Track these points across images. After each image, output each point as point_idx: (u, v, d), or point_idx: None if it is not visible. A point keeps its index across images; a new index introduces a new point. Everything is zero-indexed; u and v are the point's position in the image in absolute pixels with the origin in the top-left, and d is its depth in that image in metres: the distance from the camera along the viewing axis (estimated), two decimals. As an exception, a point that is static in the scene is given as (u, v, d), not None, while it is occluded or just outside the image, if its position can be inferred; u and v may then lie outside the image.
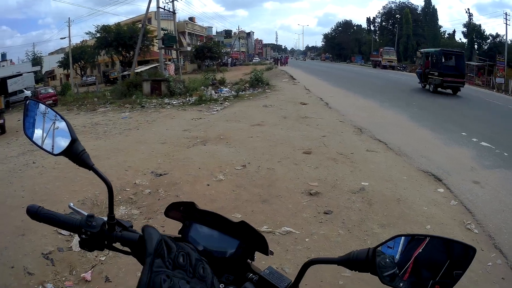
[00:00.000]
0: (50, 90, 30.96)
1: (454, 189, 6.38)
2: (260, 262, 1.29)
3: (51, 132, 1.29)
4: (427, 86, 23.17)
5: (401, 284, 0.96)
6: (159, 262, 1.00)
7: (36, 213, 1.18)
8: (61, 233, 5.30)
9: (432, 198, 6.04)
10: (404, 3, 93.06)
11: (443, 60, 23.07)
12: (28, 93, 32.47)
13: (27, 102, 1.35)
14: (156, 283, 0.94)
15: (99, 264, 4.60)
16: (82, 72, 60.19)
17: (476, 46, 72.77)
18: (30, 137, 1.31)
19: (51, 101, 26.53)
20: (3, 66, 57.24)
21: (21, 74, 33.84)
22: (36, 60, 64.91)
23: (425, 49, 29.18)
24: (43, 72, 65.80)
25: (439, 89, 22.05)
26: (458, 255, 0.95)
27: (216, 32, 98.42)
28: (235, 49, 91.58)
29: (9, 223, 5.88)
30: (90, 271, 4.45)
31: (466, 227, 5.01)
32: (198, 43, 68.30)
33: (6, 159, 10.84)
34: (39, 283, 4.24)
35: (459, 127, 11.00)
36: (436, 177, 6.94)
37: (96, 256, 4.75)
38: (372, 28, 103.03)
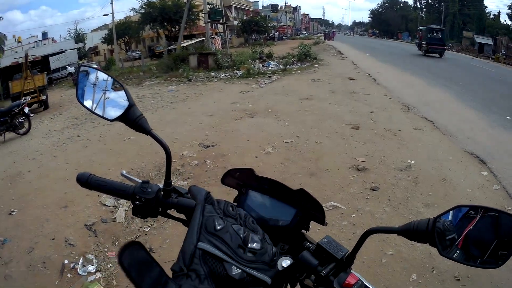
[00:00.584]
0: (94, 66, 31.32)
1: (498, 173, 6.21)
2: (311, 234, 1.25)
3: (105, 98, 1.26)
4: (421, 52, 34.48)
5: (455, 255, 0.96)
6: (210, 208, 1.01)
7: (87, 181, 1.18)
8: (105, 205, 5.47)
9: (476, 180, 5.94)
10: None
11: (429, 34, 34.23)
12: (71, 69, 32.97)
13: (80, 69, 1.34)
14: (208, 225, 0.95)
15: (143, 235, 4.70)
16: (127, 47, 60.52)
17: (520, 29, 70.04)
18: (83, 104, 1.27)
19: (95, 77, 26.95)
20: (44, 44, 58.04)
21: (63, 51, 34.33)
22: (79, 38, 65.50)
23: (420, 27, 44.27)
24: (86, 48, 66.51)
25: (428, 54, 32.77)
26: (509, 230, 0.92)
27: (263, 6, 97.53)
28: (282, 23, 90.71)
29: (52, 195, 6.09)
30: None
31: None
32: (245, 17, 67.98)
33: (49, 133, 11.27)
34: (80, 254, 4.36)
35: (505, 111, 10.67)
36: (480, 160, 6.79)
37: (140, 227, 4.87)
38: (419, 5, 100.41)
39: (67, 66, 33.69)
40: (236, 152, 7.40)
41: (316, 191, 5.46)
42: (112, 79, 1.28)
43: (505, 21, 77.81)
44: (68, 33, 69.97)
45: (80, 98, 1.27)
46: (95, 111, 1.25)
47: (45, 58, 30.36)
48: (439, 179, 5.89)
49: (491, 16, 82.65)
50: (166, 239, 4.46)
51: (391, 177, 5.99)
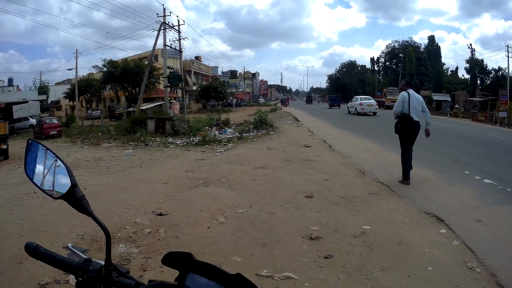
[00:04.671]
0: (55, 121, 31.30)
1: (456, 229, 6.31)
2: None
3: (51, 176, 1.32)
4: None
5: None
6: None
7: (35, 251, 1.23)
8: (59, 266, 5.30)
9: (434, 239, 5.99)
10: (407, 41, 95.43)
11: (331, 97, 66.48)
12: (33, 121, 33.00)
13: (29, 142, 1.39)
14: None
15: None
16: (88, 105, 61.57)
17: (478, 81, 73.64)
18: (31, 178, 1.34)
19: (55, 132, 27.21)
20: (9, 91, 58.08)
21: (27, 101, 34.35)
22: (43, 89, 66.15)
23: (324, 94, 64.31)
24: (49, 101, 66.61)
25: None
26: None
27: (222, 72, 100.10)
28: (240, 90, 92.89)
29: (7, 249, 5.94)
30: None
31: (468, 267, 4.94)
32: (204, 83, 69.71)
33: (7, 185, 11.10)
34: None
35: (462, 166, 11.04)
36: (438, 218, 6.88)
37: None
38: (376, 68, 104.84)
39: (29, 118, 33.66)
40: (189, 221, 7.25)
41: (268, 261, 5.36)
42: (58, 158, 1.34)
43: (463, 75, 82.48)
44: (33, 83, 70.69)
45: (28, 172, 1.37)
46: (41, 188, 1.33)
47: (9, 106, 30.27)
48: (395, 242, 5.89)
49: (449, 72, 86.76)
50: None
51: (345, 244, 5.94)
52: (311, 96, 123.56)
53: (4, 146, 17.74)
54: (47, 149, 1.37)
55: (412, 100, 9.22)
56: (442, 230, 6.33)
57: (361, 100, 39.95)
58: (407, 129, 9.27)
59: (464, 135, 20.65)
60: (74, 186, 1.26)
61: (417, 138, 9.48)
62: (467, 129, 23.76)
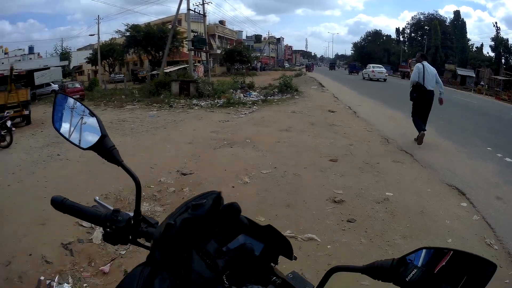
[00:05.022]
0: (77, 85, 31.27)
1: (477, 203, 6.22)
2: (282, 266, 1.28)
3: (79, 127, 1.31)
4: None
5: None
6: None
7: (61, 204, 1.19)
8: (82, 225, 5.40)
9: (454, 211, 5.93)
10: (433, 14, 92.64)
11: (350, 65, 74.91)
12: (55, 86, 32.98)
13: (57, 96, 1.37)
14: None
15: (118, 257, 4.65)
16: (110, 69, 61.05)
17: (503, 60, 71.61)
18: (58, 130, 1.31)
19: (78, 96, 26.88)
20: (30, 59, 58.03)
21: (48, 68, 34.29)
22: (64, 55, 65.86)
23: (344, 61, 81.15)
24: (71, 67, 66.64)
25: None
26: (478, 270, 0.94)
27: (246, 36, 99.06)
28: (265, 54, 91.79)
29: (30, 212, 6.06)
30: (109, 264, 4.50)
31: (486, 243, 4.89)
32: (228, 47, 68.61)
33: (30, 149, 11.22)
34: (56, 271, 4.32)
35: (484, 142, 10.83)
36: (460, 191, 6.79)
37: (116, 250, 4.80)
38: (401, 39, 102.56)
39: (51, 83, 33.72)
40: (213, 181, 7.33)
41: (292, 222, 5.42)
42: (86, 109, 1.33)
43: (487, 53, 79.82)
44: (55, 50, 70.22)
45: (56, 124, 1.32)
46: (69, 139, 1.30)
47: (30, 73, 30.25)
48: (417, 211, 5.87)
49: (474, 49, 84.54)
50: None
51: (368, 209, 5.95)
52: (334, 62, 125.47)
53: (26, 112, 17.89)
54: (76, 101, 1.36)
55: (427, 71, 9.92)
56: (463, 204, 6.27)
57: (373, 68, 46.61)
58: (420, 98, 10.03)
59: (488, 112, 20.15)
60: (104, 136, 1.26)
61: (438, 110, 9.48)
62: (490, 107, 23.27)
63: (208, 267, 0.97)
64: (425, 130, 10.02)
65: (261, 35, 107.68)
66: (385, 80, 44.24)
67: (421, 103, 10.11)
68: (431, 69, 10.08)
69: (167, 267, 0.88)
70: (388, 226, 5.35)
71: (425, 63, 10.10)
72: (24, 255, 4.66)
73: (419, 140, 9.95)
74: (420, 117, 10.15)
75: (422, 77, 9.93)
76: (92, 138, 1.27)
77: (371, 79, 44.08)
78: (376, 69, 46.15)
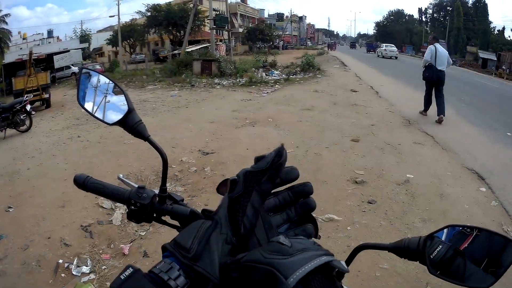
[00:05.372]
0: (98, 67, 31.47)
1: (496, 189, 6.18)
2: None
3: (104, 102, 1.26)
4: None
5: (445, 273, 0.95)
6: None
7: (84, 183, 1.16)
8: (102, 206, 5.49)
9: (474, 196, 5.91)
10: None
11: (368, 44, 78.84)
12: (75, 69, 33.06)
13: (82, 71, 1.34)
14: None
15: (138, 239, 4.70)
16: (131, 50, 60.79)
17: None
18: (83, 106, 1.26)
19: (99, 76, 26.96)
20: (49, 42, 58.16)
21: (68, 51, 34.42)
22: (84, 37, 65.93)
23: (365, 41, 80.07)
24: (91, 49, 66.72)
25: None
26: (501, 251, 0.93)
27: (268, 14, 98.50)
28: (287, 33, 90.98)
29: (49, 194, 6.11)
30: (128, 245, 4.55)
31: (504, 230, 4.88)
32: (250, 25, 68.26)
33: (50, 132, 11.35)
34: (75, 254, 4.37)
35: (506, 127, 10.68)
36: (479, 176, 6.75)
37: (136, 231, 4.86)
38: (424, 19, 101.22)
39: (71, 66, 33.77)
40: (236, 160, 7.39)
41: (313, 202, 5.43)
42: (113, 83, 1.28)
43: (509, 36, 78.64)
44: (74, 33, 70.32)
45: (81, 100, 1.27)
46: (95, 114, 1.25)
47: (49, 57, 30.46)
48: (437, 194, 5.87)
49: (496, 32, 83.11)
50: (161, 244, 4.37)
51: (389, 191, 5.98)
52: (355, 42, 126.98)
53: (46, 95, 18.12)
54: (102, 74, 1.31)
55: (439, 52, 10.64)
56: (482, 189, 6.23)
57: (385, 47, 54.01)
58: (432, 77, 10.83)
59: (509, 96, 19.80)
60: (131, 110, 1.19)
61: (459, 93, 9.48)
62: (511, 91, 22.89)
63: (268, 238, 0.91)
64: (444, 114, 10.53)
65: (283, 14, 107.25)
66: (396, 58, 50.58)
67: (433, 82, 10.95)
68: (443, 51, 10.81)
69: (229, 222, 0.83)
70: (408, 209, 5.38)
71: (437, 45, 10.78)
72: (43, 238, 4.73)
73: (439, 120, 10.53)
74: (431, 97, 11.21)
75: (434, 58, 10.65)
76: (118, 113, 1.21)
77: (384, 57, 50.75)
78: (388, 48, 53.47)
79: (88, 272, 4.08)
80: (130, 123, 1.19)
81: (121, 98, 1.22)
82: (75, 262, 4.20)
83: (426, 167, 7.14)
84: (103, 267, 4.15)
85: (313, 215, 0.98)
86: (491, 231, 0.95)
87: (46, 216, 5.33)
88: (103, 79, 1.29)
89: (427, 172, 6.86)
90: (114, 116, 1.21)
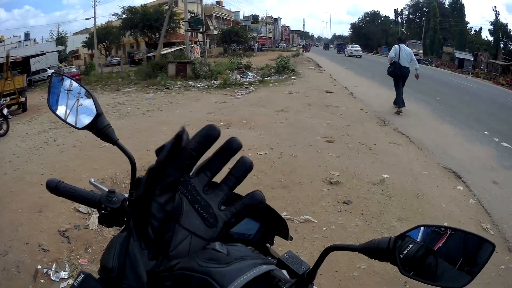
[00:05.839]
0: (74, 70, 31.32)
1: (473, 187, 6.27)
2: (277, 248, 1.28)
3: (75, 107, 1.28)
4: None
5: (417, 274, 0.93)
6: None
7: (56, 188, 1.14)
8: (79, 211, 5.38)
9: (451, 195, 5.97)
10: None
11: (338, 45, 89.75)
12: (51, 72, 32.84)
13: (52, 76, 1.33)
14: None
15: (116, 242, 4.61)
16: (107, 53, 60.72)
17: (502, 45, 71.52)
18: (54, 111, 1.29)
19: (74, 80, 26.80)
20: (26, 45, 57.77)
21: (44, 53, 34.15)
22: (60, 40, 65.68)
23: (336, 42, 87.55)
24: (67, 51, 66.42)
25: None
26: (476, 250, 0.90)
27: (243, 16, 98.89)
28: (262, 35, 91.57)
29: (26, 199, 5.97)
30: None
31: (482, 227, 4.93)
32: (225, 27, 68.56)
33: (26, 136, 11.13)
34: (53, 259, 4.30)
35: (482, 126, 10.87)
36: (456, 174, 6.84)
37: (113, 235, 4.74)
38: (400, 20, 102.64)
39: (47, 69, 33.44)
40: (210, 162, 7.30)
41: (288, 204, 5.44)
42: (82, 88, 1.29)
43: (486, 37, 79.77)
44: (51, 35, 69.97)
45: (53, 105, 1.29)
46: (67, 119, 1.27)
47: (26, 59, 30.17)
48: (413, 194, 5.90)
49: (473, 32, 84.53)
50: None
51: (364, 191, 5.98)
52: (328, 44, 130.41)
53: (22, 99, 17.89)
54: (72, 79, 1.33)
55: (402, 51, 11.91)
56: (459, 187, 6.31)
57: (350, 47, 64.10)
58: (396, 72, 12.00)
59: (485, 96, 20.24)
60: (99, 115, 1.22)
61: (435, 93, 9.60)
62: (488, 91, 23.45)
63: (205, 222, 0.84)
64: (404, 106, 11.92)
65: (258, 16, 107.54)
66: (360, 56, 58.53)
67: (397, 76, 12.06)
68: (407, 50, 12.14)
69: (137, 228, 0.82)
70: (384, 208, 5.38)
71: (402, 45, 12.14)
72: (22, 244, 4.65)
73: (398, 112, 11.94)
74: (400, 90, 12.11)
75: (398, 55, 11.88)
76: (87, 117, 1.24)
77: (349, 56, 58.24)
78: (353, 48, 63.14)
79: (67, 277, 4.05)
80: (99, 127, 1.22)
81: (91, 103, 1.25)
82: (53, 268, 4.17)
83: (402, 166, 7.17)
84: (81, 272, 4.06)
85: (284, 217, 0.94)
86: (466, 231, 0.92)
87: (24, 222, 5.24)
88: (74, 84, 1.32)
89: (403, 171, 6.89)
90: (84, 120, 1.24)
